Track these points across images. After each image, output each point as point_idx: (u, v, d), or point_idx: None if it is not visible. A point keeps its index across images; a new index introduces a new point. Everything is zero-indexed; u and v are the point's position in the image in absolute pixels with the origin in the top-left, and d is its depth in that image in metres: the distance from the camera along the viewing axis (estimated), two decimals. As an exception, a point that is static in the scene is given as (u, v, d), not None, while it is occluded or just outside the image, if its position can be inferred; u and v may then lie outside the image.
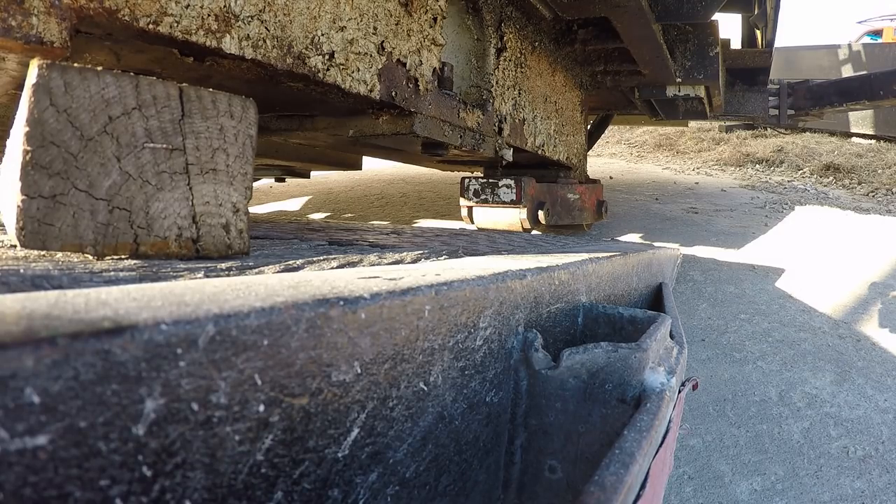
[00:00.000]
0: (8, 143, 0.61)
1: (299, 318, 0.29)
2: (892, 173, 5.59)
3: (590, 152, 3.19)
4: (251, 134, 0.66)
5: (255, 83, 1.14)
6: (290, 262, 0.61)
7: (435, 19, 1.44)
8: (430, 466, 0.42)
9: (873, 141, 7.09)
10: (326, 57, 1.11)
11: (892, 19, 11.41)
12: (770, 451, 1.70)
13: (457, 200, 3.14)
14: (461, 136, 1.62)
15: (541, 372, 0.53)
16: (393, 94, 1.30)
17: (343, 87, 1.16)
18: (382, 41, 1.26)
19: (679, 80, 2.67)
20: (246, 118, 0.65)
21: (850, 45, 7.72)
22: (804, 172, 5.84)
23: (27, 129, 0.50)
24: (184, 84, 0.60)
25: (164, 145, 0.59)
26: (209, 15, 0.87)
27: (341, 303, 0.32)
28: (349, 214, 4.18)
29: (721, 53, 2.91)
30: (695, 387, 0.74)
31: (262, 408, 0.27)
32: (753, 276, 2.70)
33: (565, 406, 0.53)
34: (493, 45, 1.79)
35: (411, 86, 1.36)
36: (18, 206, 0.51)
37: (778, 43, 5.18)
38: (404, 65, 1.33)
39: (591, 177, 2.98)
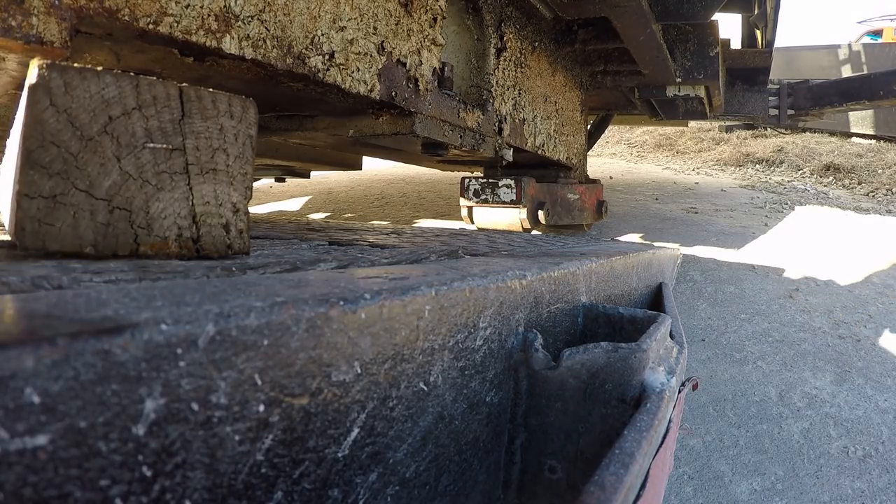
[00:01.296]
0: (8, 143, 0.61)
1: (299, 318, 0.29)
2: (892, 173, 5.59)
3: (590, 152, 3.19)
4: (251, 134, 0.66)
5: (255, 83, 1.14)
6: (290, 262, 0.61)
7: (435, 19, 1.44)
8: (430, 466, 0.42)
9: (873, 141, 7.09)
10: (326, 57, 1.11)
11: (892, 19, 11.42)
12: (770, 451, 1.70)
13: (457, 200, 3.14)
14: (461, 136, 1.62)
15: (541, 372, 0.53)
16: (393, 94, 1.30)
17: (343, 87, 1.16)
18: (382, 41, 1.26)
19: (679, 80, 2.67)
20: (246, 118, 0.65)
21: (850, 45, 7.72)
22: (804, 172, 5.84)
23: (27, 129, 0.50)
24: (184, 84, 0.60)
25: (164, 145, 0.59)
26: (209, 15, 0.87)
27: (341, 303, 0.32)
28: (349, 214, 4.18)
29: (721, 53, 2.91)
30: (695, 387, 0.74)
31: (262, 408, 0.27)
32: (753, 276, 2.70)
33: (565, 406, 0.53)
34: (493, 45, 1.79)
35: (411, 86, 1.36)
36: (18, 206, 0.51)
37: (778, 43, 5.18)
38: (404, 65, 1.33)
39: (591, 177, 2.98)
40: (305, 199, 4.86)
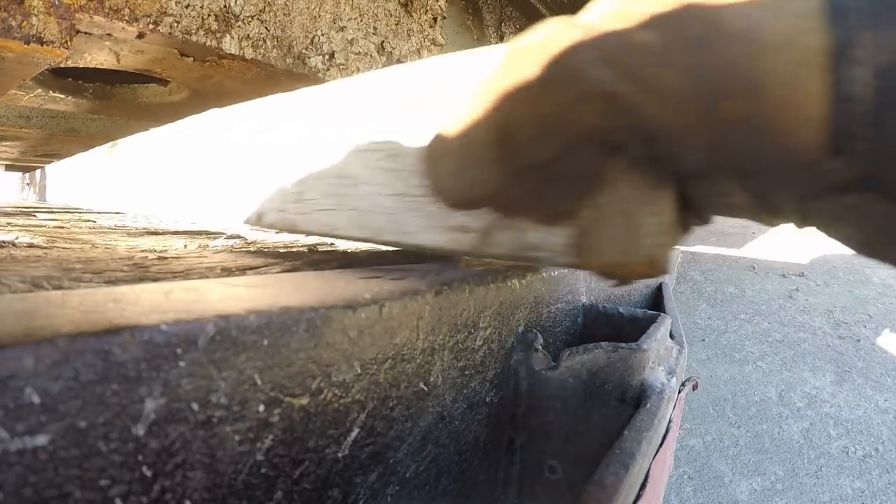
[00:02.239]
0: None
1: (299, 318, 0.29)
2: (892, 173, 5.59)
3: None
4: (251, 134, 0.66)
5: (255, 83, 1.14)
6: (291, 262, 0.61)
7: (435, 19, 1.44)
8: (429, 466, 0.42)
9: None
10: (326, 57, 1.11)
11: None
12: (770, 451, 1.70)
13: (457, 200, 3.13)
14: (461, 136, 1.62)
15: (541, 372, 0.53)
16: (393, 94, 1.30)
17: (343, 87, 1.16)
18: (382, 41, 1.26)
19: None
20: (246, 118, 0.65)
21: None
22: (804, 172, 5.83)
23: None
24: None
25: (164, 145, 0.59)
26: (209, 15, 0.87)
27: (341, 303, 0.32)
28: (349, 214, 4.17)
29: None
30: (695, 387, 0.74)
31: (262, 408, 0.27)
32: (753, 276, 2.70)
33: (565, 406, 0.53)
34: (493, 45, 1.79)
35: (411, 86, 1.36)
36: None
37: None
38: (404, 65, 1.33)
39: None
40: (305, 199, 4.85)
